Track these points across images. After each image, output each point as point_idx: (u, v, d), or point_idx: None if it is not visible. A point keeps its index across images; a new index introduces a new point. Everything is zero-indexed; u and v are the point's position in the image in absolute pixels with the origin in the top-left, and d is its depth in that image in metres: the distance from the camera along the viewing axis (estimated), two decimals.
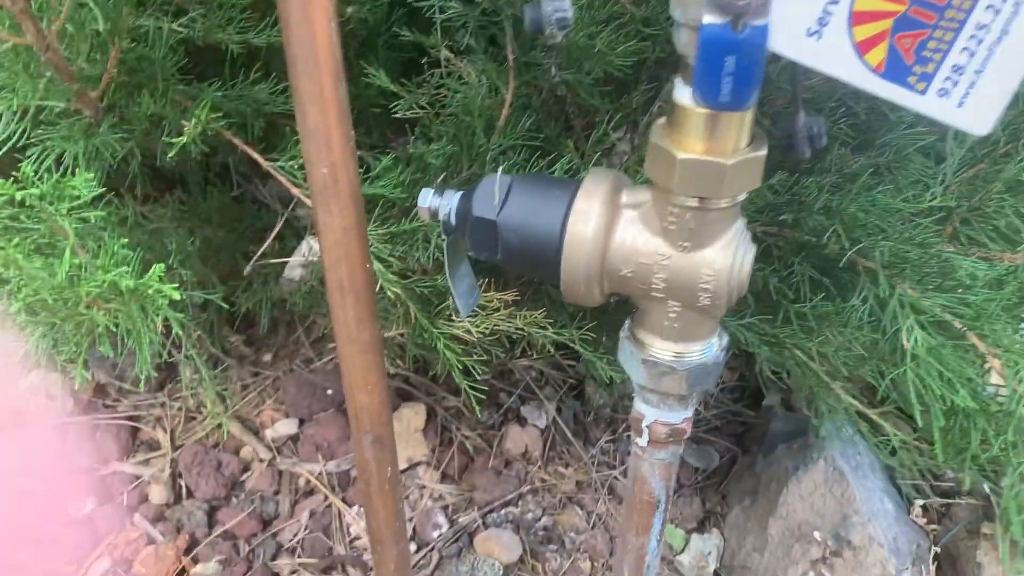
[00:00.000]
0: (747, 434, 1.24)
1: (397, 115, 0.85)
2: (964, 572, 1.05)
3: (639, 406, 0.61)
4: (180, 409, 1.24)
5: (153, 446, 1.20)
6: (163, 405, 1.24)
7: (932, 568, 1.03)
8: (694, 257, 0.52)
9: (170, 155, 0.64)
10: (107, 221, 0.66)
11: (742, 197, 0.52)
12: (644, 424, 0.60)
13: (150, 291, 0.54)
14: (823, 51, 0.44)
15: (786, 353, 0.70)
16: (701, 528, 1.13)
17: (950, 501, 1.12)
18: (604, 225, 0.53)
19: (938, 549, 1.06)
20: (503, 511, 1.12)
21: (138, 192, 0.76)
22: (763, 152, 0.50)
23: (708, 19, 0.42)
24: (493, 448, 1.19)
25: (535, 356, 1.22)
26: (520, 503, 1.13)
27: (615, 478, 1.17)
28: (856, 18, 0.42)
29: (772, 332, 0.69)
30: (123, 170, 0.75)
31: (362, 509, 1.01)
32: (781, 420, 1.19)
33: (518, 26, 0.73)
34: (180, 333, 0.64)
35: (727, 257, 0.52)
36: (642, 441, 0.61)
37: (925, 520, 1.12)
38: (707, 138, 0.49)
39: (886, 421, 0.73)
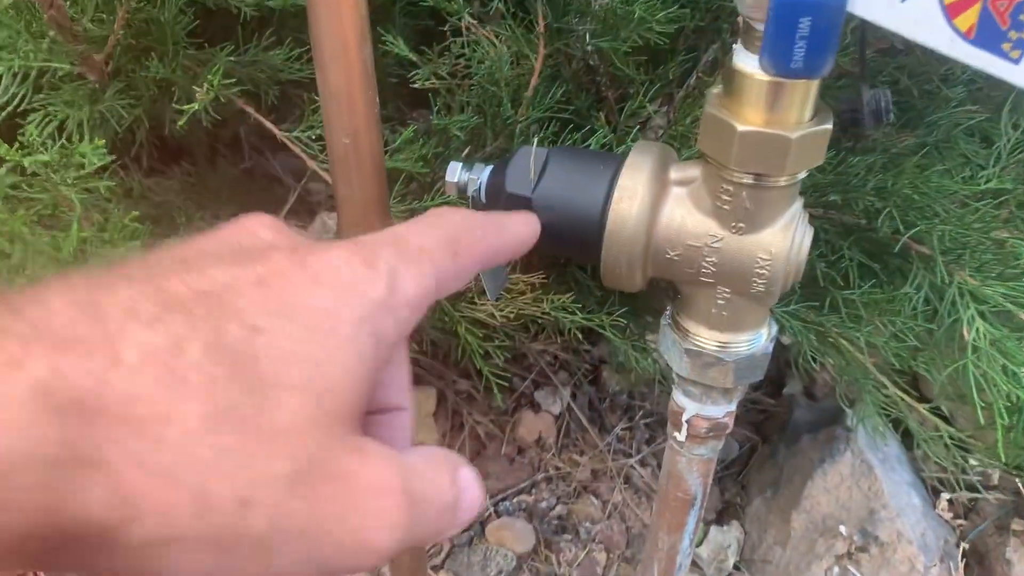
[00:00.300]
0: (767, 423, 1.21)
1: (415, 85, 0.81)
2: (993, 569, 1.02)
3: (679, 398, 0.57)
4: None
5: None
6: None
7: (960, 565, 1.00)
8: (749, 240, 0.48)
9: (180, 123, 0.60)
10: (113, 192, 0.62)
11: (803, 175, 0.48)
12: (684, 418, 0.57)
13: None
14: (907, 14, 0.39)
15: (829, 342, 0.66)
16: (720, 520, 1.10)
17: (977, 495, 1.09)
18: (650, 203, 0.49)
19: (966, 545, 1.03)
20: (516, 499, 1.09)
21: (144, 163, 0.71)
22: (829, 126, 0.46)
23: None
24: (506, 434, 1.15)
25: (549, 340, 1.18)
26: (534, 491, 1.10)
27: (631, 467, 1.14)
28: None
29: (817, 320, 0.65)
30: (127, 140, 0.71)
31: None
32: (804, 409, 1.16)
33: None
34: None
35: (785, 240, 0.48)
36: (680, 436, 0.58)
37: (951, 515, 1.09)
38: (770, 109, 0.45)
39: (935, 416, 0.69)
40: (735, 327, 0.52)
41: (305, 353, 0.26)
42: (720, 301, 0.51)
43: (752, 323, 0.53)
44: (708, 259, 0.50)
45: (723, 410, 0.56)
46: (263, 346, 0.25)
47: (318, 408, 0.25)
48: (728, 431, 0.58)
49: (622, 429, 1.18)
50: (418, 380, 1.20)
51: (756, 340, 0.53)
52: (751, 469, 1.14)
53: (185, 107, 0.58)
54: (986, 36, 0.39)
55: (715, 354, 0.53)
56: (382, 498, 0.26)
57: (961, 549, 1.02)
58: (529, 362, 1.23)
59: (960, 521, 1.08)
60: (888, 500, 0.99)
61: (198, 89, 0.58)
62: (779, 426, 1.16)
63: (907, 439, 1.07)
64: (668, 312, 0.56)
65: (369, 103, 0.53)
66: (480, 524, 1.06)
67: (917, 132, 0.74)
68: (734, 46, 0.46)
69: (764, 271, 0.49)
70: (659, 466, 1.18)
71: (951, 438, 0.75)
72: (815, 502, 1.02)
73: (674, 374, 0.56)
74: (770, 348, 0.54)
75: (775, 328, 0.54)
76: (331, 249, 0.29)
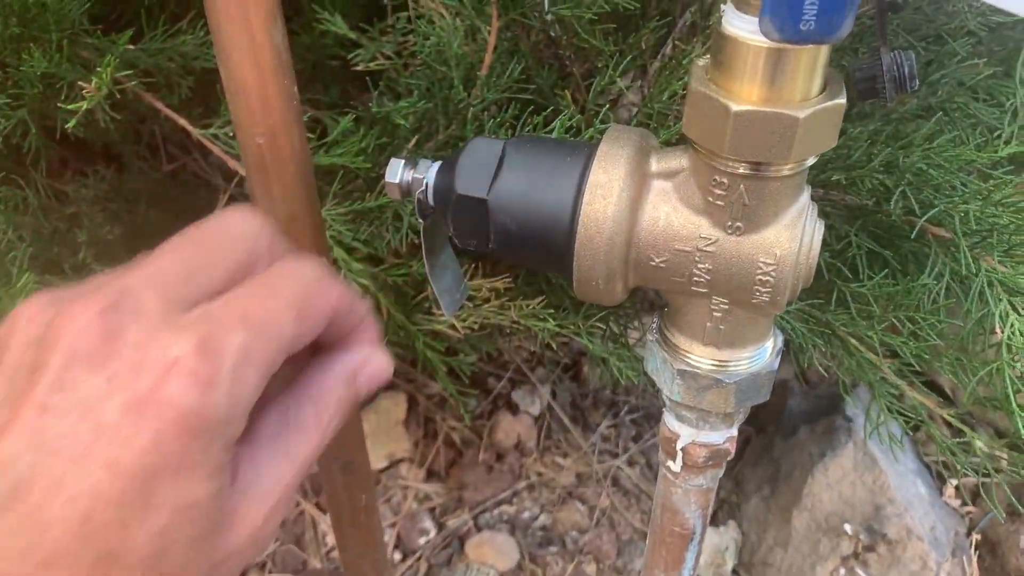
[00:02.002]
0: (761, 411, 1.13)
1: (358, 67, 0.72)
2: (1007, 559, 0.96)
3: (672, 424, 0.49)
4: None
5: None
6: None
7: (974, 558, 0.94)
8: (748, 241, 0.40)
9: (69, 124, 0.50)
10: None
11: (811, 161, 0.39)
12: (679, 446, 0.49)
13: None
14: None
15: (836, 342, 0.58)
16: (715, 520, 1.03)
17: (985, 479, 1.02)
18: (629, 202, 0.41)
19: (978, 536, 0.97)
20: (496, 511, 1.01)
21: (43, 169, 0.62)
22: (842, 100, 0.37)
23: None
24: (483, 440, 1.07)
25: (526, 335, 1.10)
26: (515, 501, 1.02)
27: (619, 468, 1.06)
28: None
29: (823, 318, 0.57)
30: (24, 143, 0.61)
31: None
32: (799, 396, 1.09)
33: None
34: None
35: (792, 240, 0.40)
36: (675, 466, 0.50)
37: (959, 502, 1.02)
38: (770, 82, 0.36)
39: (963, 424, 0.62)
40: (735, 343, 0.44)
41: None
42: (717, 314, 0.43)
43: (754, 337, 0.44)
44: (700, 265, 0.41)
45: (723, 435, 0.48)
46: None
47: None
48: (730, 457, 0.50)
49: (607, 427, 1.10)
50: (387, 385, 1.11)
51: (759, 356, 0.45)
52: (746, 464, 1.07)
53: (72, 106, 0.49)
54: None
55: (712, 375, 0.44)
56: None
57: (973, 541, 0.96)
58: (504, 359, 1.15)
59: (969, 508, 1.02)
60: (895, 494, 0.92)
61: (85, 85, 0.49)
62: (774, 415, 1.08)
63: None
64: (655, 325, 0.48)
65: (286, 96, 0.44)
66: (459, 540, 0.98)
67: (918, 93, 0.66)
68: (723, 6, 0.37)
69: (768, 277, 0.40)
70: (648, 464, 1.11)
71: (953, 419, 0.68)
72: (817, 499, 0.95)
73: (664, 397, 0.48)
74: (776, 365, 0.46)
75: (780, 339, 0.46)
76: (164, 354, 0.26)
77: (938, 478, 1.04)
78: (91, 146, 0.84)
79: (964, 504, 1.03)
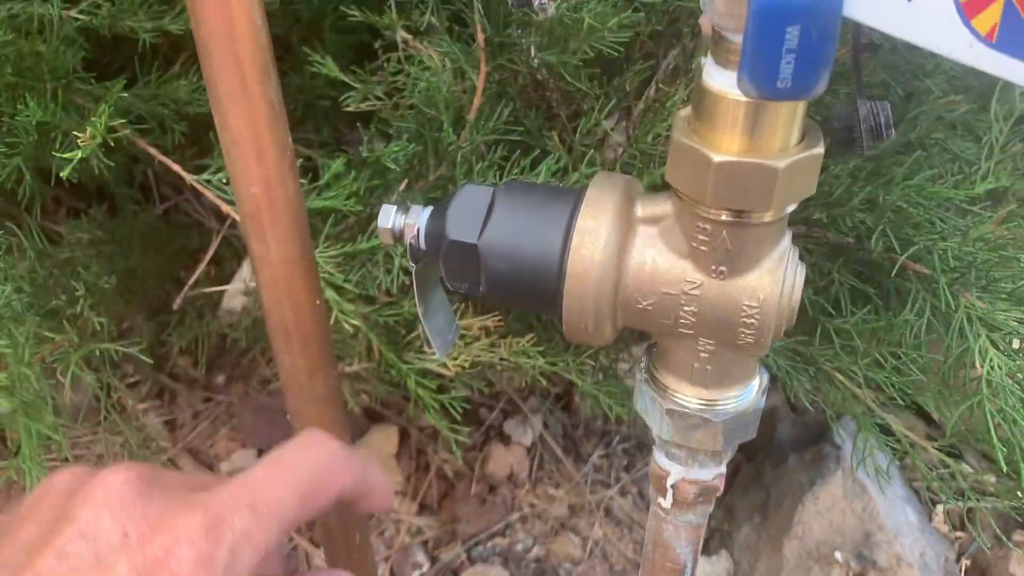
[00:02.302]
0: (750, 440, 1.14)
1: (350, 108, 0.73)
2: None
3: (662, 461, 0.50)
4: (123, 445, 1.10)
5: None
6: (104, 441, 1.10)
7: None
8: (732, 285, 0.41)
9: (64, 173, 0.51)
10: None
11: (791, 207, 0.41)
12: (669, 483, 0.49)
13: (30, 392, 0.41)
14: (916, 16, 0.32)
15: (821, 376, 0.59)
16: (707, 549, 1.03)
17: (973, 504, 1.03)
18: (616, 247, 0.42)
19: (967, 562, 0.97)
20: (490, 543, 1.01)
21: (37, 215, 0.63)
22: (820, 149, 0.39)
23: None
24: (475, 472, 1.07)
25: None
26: (508, 533, 1.02)
27: (611, 498, 1.06)
28: None
29: (808, 354, 0.58)
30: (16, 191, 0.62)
31: None
32: (788, 424, 1.09)
33: (487, 0, 0.61)
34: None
35: (774, 283, 0.41)
36: (665, 503, 0.50)
37: (948, 527, 1.03)
38: (750, 134, 0.38)
39: (948, 456, 0.63)
40: (722, 382, 0.45)
41: None
42: (703, 354, 0.44)
43: (741, 377, 0.45)
44: (686, 308, 0.42)
45: (712, 472, 0.49)
46: None
47: None
48: (719, 494, 0.51)
49: (599, 457, 1.10)
50: (377, 418, 1.11)
51: (746, 395, 0.46)
52: (736, 492, 1.07)
53: (67, 155, 0.50)
54: (1010, 38, 0.32)
55: (700, 414, 0.45)
56: None
57: (962, 566, 0.96)
58: (495, 390, 1.15)
59: (958, 533, 1.03)
60: (884, 521, 0.93)
61: (80, 135, 0.49)
62: (763, 444, 1.09)
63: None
64: (643, 364, 0.49)
65: (280, 147, 0.45)
66: (452, 573, 0.98)
67: (897, 129, 0.67)
68: (703, 60, 0.39)
69: (752, 320, 0.42)
70: (640, 494, 1.11)
71: (940, 450, 0.69)
72: (807, 527, 0.95)
73: (654, 436, 0.49)
74: (762, 402, 0.47)
75: (766, 378, 0.47)
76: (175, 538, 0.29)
77: (927, 503, 1.05)
78: (84, 186, 0.85)
79: (953, 529, 1.03)
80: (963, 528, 1.04)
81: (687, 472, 0.49)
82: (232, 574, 0.30)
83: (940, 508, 1.03)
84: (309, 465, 0.35)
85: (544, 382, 0.65)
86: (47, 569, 0.28)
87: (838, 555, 0.93)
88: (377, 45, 0.74)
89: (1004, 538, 0.68)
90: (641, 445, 1.14)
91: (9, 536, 0.30)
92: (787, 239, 0.42)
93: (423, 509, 1.04)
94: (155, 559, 0.28)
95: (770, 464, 1.05)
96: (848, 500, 0.95)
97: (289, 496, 0.33)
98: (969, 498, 0.70)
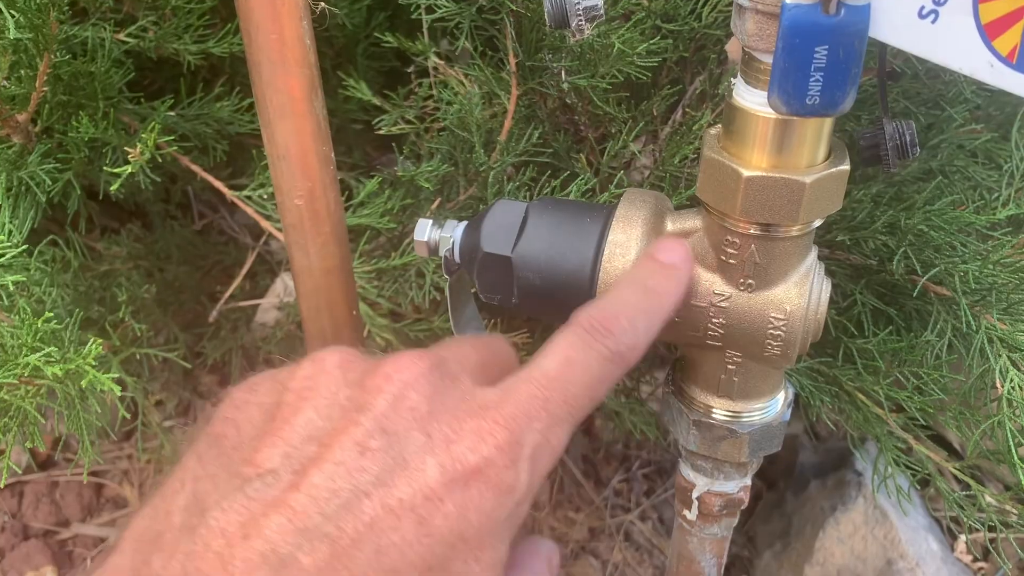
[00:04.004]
0: (771, 466, 1.14)
1: (381, 131, 0.75)
2: None
3: (687, 473, 0.50)
4: (150, 461, 1.12)
5: (120, 503, 1.08)
6: (130, 457, 1.12)
7: None
8: (760, 297, 0.43)
9: (113, 187, 0.53)
10: (44, 272, 0.56)
11: (818, 222, 0.42)
12: (694, 495, 0.50)
13: (84, 380, 0.43)
14: (939, 37, 0.34)
15: (843, 397, 0.60)
16: (728, 574, 1.03)
17: (995, 535, 1.02)
18: None
19: None
20: None
21: (82, 229, 0.65)
22: (846, 166, 0.40)
23: None
24: None
25: None
26: None
27: (631, 522, 1.07)
28: None
29: (830, 374, 0.59)
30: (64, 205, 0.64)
31: None
32: (809, 451, 1.10)
33: (520, 25, 0.63)
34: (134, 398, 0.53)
35: (801, 296, 0.42)
36: (691, 515, 0.51)
37: (971, 558, 1.02)
38: (778, 150, 0.39)
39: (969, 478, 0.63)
40: (748, 394, 0.46)
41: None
42: (730, 366, 0.45)
43: (767, 389, 0.46)
44: (715, 320, 0.44)
45: (737, 485, 0.50)
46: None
47: None
48: (744, 506, 0.51)
49: (619, 482, 1.11)
50: None
51: (771, 407, 0.47)
52: (757, 519, 1.07)
53: (117, 170, 0.52)
54: None
55: (727, 425, 0.46)
56: None
57: None
58: None
59: (981, 564, 1.02)
60: (906, 549, 0.92)
61: (130, 150, 0.52)
62: (784, 470, 1.09)
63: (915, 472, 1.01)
64: (669, 377, 0.50)
65: (323, 161, 0.47)
66: None
67: (919, 156, 0.68)
68: (733, 80, 0.40)
69: (779, 332, 0.43)
70: (660, 519, 1.11)
71: (961, 470, 0.69)
72: (828, 554, 0.95)
73: (680, 447, 0.50)
74: (787, 416, 0.48)
75: (792, 391, 0.48)
76: (477, 442, 0.28)
77: (949, 533, 1.04)
78: (120, 204, 0.87)
79: (976, 560, 1.03)
80: (986, 559, 1.04)
81: (712, 484, 0.50)
82: (534, 476, 0.29)
83: (963, 538, 1.03)
84: (593, 364, 0.33)
85: None
86: (350, 463, 0.26)
87: None
88: (410, 70, 0.76)
89: None
90: (661, 470, 1.14)
91: (279, 420, 0.27)
92: (813, 254, 0.43)
93: None
94: (464, 463, 0.27)
95: (791, 491, 1.05)
96: (869, 527, 0.95)
97: (582, 394, 0.32)
98: (993, 525, 0.70)
